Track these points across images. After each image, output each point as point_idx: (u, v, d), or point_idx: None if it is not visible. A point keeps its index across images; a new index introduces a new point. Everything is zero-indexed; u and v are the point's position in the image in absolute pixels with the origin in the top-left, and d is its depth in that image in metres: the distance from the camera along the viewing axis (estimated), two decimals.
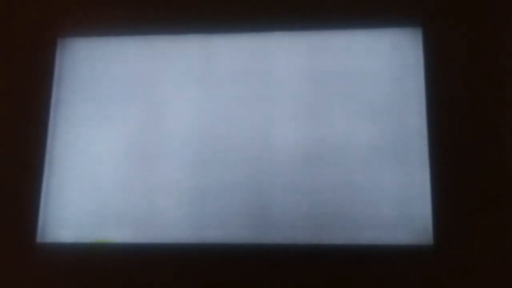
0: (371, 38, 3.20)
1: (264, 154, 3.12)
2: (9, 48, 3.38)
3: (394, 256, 2.91)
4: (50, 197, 3.18)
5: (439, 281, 2.87)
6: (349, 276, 2.91)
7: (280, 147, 3.12)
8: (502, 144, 2.98)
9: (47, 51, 3.34)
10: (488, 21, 3.13)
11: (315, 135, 3.11)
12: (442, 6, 3.17)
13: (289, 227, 3.02)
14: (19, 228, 3.13)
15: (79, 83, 3.32)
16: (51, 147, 3.24)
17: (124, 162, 3.18)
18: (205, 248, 3.02)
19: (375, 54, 3.18)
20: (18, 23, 3.41)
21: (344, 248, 2.95)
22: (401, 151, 3.05)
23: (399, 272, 2.89)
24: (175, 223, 3.09)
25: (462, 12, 3.16)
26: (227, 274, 2.98)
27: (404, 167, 3.03)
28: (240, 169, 3.11)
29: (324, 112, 3.14)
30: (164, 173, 3.15)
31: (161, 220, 3.10)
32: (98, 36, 3.36)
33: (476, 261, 2.87)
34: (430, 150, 3.01)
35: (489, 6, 3.14)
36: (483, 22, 3.13)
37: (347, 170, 3.05)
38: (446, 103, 3.05)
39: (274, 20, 3.25)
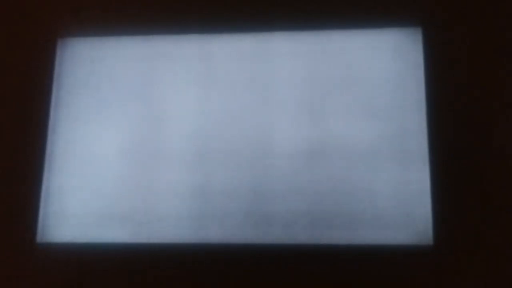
0: (371, 38, 3.20)
1: (264, 154, 3.12)
2: (10, 48, 3.38)
3: (394, 256, 2.91)
4: (50, 197, 3.18)
5: (439, 281, 2.87)
6: (349, 276, 2.91)
7: (280, 147, 3.12)
8: (502, 144, 2.98)
9: (47, 51, 3.34)
10: (488, 20, 3.13)
11: (315, 135, 3.11)
12: (442, 6, 3.17)
13: (289, 227, 3.02)
14: (19, 228, 3.13)
15: (79, 83, 3.32)
16: (51, 147, 3.24)
17: (124, 162, 3.18)
18: (205, 248, 3.02)
19: (375, 54, 3.18)
20: (18, 23, 3.41)
21: (344, 248, 2.95)
22: (401, 151, 3.05)
23: (399, 272, 2.89)
24: (175, 223, 3.09)
25: (462, 12, 3.16)
26: (227, 274, 2.98)
27: (404, 167, 3.03)
28: (240, 168, 3.11)
29: (324, 112, 3.14)
30: (164, 173, 3.15)
31: (161, 220, 3.09)
32: (98, 36, 3.36)
33: (475, 261, 2.87)
34: (430, 150, 3.01)
35: (489, 6, 3.14)
36: (483, 22, 3.13)
37: (347, 170, 3.05)
38: (446, 103, 3.05)
39: (274, 20, 3.25)
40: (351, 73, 3.17)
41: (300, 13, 3.25)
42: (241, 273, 2.97)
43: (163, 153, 3.18)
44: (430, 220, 2.96)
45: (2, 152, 3.23)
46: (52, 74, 3.32)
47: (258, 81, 3.22)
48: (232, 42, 3.28)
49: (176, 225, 3.08)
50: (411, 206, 2.99)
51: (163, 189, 3.13)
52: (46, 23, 3.39)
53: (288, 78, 3.20)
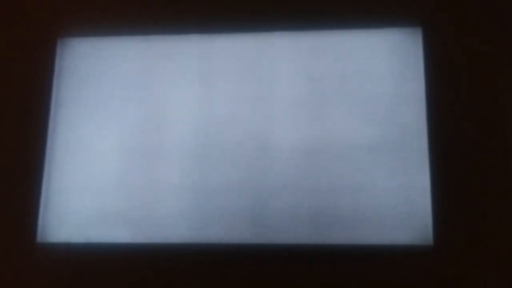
0: (371, 38, 3.20)
1: (264, 154, 3.12)
2: (9, 48, 3.38)
3: (394, 256, 2.91)
4: (50, 197, 3.18)
5: (439, 281, 2.87)
6: (349, 276, 2.91)
7: (280, 147, 3.12)
8: (502, 144, 2.98)
9: (47, 51, 3.34)
10: (488, 20, 3.13)
11: (315, 135, 3.11)
12: (442, 6, 3.17)
13: (289, 227, 3.02)
14: (19, 228, 3.13)
15: (79, 83, 3.32)
16: (51, 147, 3.25)
17: (124, 162, 3.18)
18: (205, 248, 3.02)
19: (375, 54, 3.18)
20: (18, 23, 3.41)
21: (344, 248, 2.95)
22: (401, 151, 3.05)
23: (399, 272, 2.89)
24: (175, 223, 3.09)
25: (462, 12, 3.16)
26: (227, 274, 2.98)
27: (404, 167, 3.03)
28: (240, 169, 3.11)
29: (324, 112, 3.14)
30: (164, 173, 3.15)
31: (161, 220, 3.10)
32: (98, 36, 3.36)
33: (475, 261, 2.87)
34: (430, 150, 3.01)
35: (489, 6, 3.14)
36: (483, 22, 3.13)
37: (347, 170, 3.05)
38: (446, 103, 3.05)
39: (274, 20, 3.25)
40: (351, 73, 3.17)
41: (300, 13, 3.25)
42: (241, 273, 2.97)
43: (163, 153, 3.18)
44: (430, 220, 2.96)
45: (2, 152, 3.23)
46: (52, 74, 3.32)
47: (258, 81, 3.22)
48: (232, 42, 3.28)
49: (176, 225, 3.08)
50: (411, 206, 2.99)
51: (163, 188, 3.13)
52: (46, 23, 3.39)
53: (288, 78, 3.20)
